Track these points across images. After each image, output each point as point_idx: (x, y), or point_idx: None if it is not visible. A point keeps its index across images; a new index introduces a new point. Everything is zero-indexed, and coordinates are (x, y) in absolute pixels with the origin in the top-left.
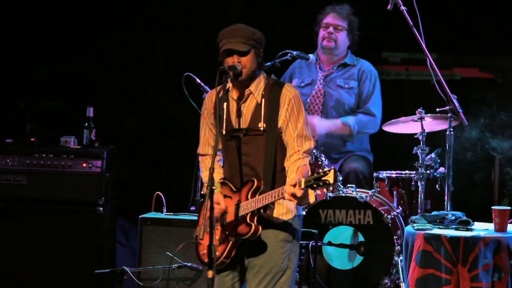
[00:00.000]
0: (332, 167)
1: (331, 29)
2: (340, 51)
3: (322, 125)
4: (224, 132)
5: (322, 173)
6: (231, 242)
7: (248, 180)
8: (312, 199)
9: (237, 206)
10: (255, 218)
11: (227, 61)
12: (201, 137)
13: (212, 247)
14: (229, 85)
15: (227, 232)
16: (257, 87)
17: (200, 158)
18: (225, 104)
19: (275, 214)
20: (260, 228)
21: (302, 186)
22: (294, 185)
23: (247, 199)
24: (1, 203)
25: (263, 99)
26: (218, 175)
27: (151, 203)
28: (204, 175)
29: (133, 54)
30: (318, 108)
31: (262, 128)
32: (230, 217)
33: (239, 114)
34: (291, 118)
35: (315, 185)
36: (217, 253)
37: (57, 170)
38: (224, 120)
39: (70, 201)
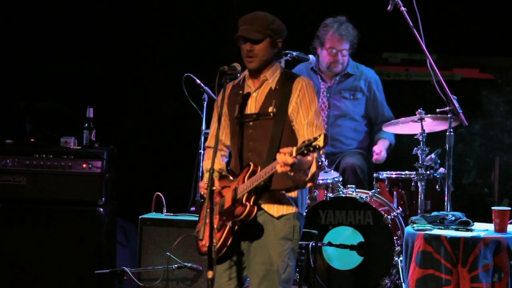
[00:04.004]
0: (323, 132)
1: (339, 56)
2: (343, 69)
3: (384, 150)
4: (235, 117)
5: (312, 139)
6: (228, 227)
7: (245, 165)
8: (313, 170)
9: (234, 191)
10: (252, 199)
11: (242, 48)
12: (211, 129)
13: (212, 247)
14: (246, 73)
15: (224, 218)
16: (273, 74)
17: (206, 149)
18: (240, 91)
19: (277, 212)
20: (256, 208)
21: (294, 154)
22: (285, 154)
23: (243, 182)
24: (1, 203)
25: (277, 86)
26: (218, 164)
27: (151, 204)
28: (205, 163)
29: (133, 54)
30: (323, 120)
31: (272, 113)
32: (227, 203)
33: (252, 100)
34: (302, 105)
35: (305, 151)
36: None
37: (57, 170)
38: (238, 106)
39: (70, 202)
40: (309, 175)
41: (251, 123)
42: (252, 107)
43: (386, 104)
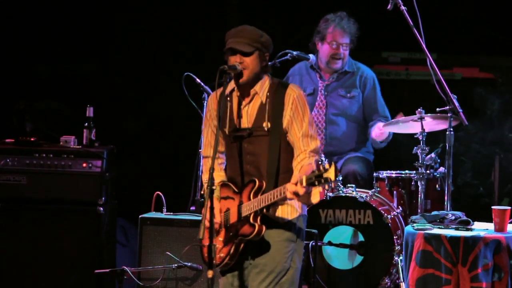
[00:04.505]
0: (332, 163)
1: (341, 49)
2: (343, 66)
3: (385, 133)
4: (227, 132)
5: (323, 170)
6: (235, 244)
7: (249, 180)
8: (316, 199)
9: (240, 207)
10: (258, 218)
11: (231, 60)
12: (204, 138)
13: (212, 247)
14: (233, 85)
15: (231, 234)
16: (262, 87)
17: (203, 160)
18: (229, 104)
19: (279, 214)
20: (264, 228)
21: (304, 184)
22: (296, 183)
23: (249, 199)
24: (1, 203)
25: (268, 99)
26: (219, 177)
27: (151, 203)
28: (205, 177)
29: (133, 54)
30: (322, 119)
31: (266, 128)
32: (233, 218)
33: (243, 114)
34: (296, 117)
35: (316, 182)
36: (222, 255)
37: (57, 170)
38: (228, 120)
39: (70, 201)
40: (313, 200)
41: (245, 137)
42: (244, 122)
43: (383, 102)
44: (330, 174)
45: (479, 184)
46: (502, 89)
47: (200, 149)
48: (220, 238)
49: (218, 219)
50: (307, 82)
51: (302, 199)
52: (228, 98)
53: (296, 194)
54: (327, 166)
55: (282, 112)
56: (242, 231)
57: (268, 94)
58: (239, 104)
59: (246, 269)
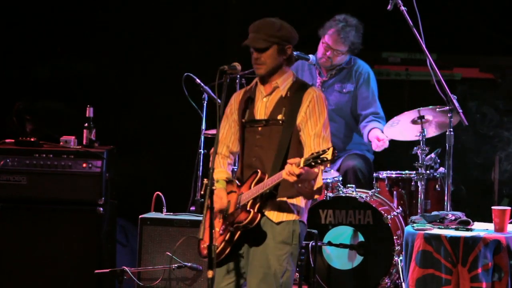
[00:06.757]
0: (331, 146)
1: (329, 53)
2: (336, 65)
3: (385, 143)
4: (244, 122)
5: (321, 152)
6: (230, 231)
7: (252, 172)
8: (319, 184)
9: (239, 197)
10: (256, 206)
11: (252, 55)
12: (220, 134)
13: (212, 247)
14: (257, 79)
15: (227, 222)
16: (284, 82)
17: (215, 156)
18: (250, 96)
19: (276, 216)
20: (259, 215)
21: (301, 165)
22: (293, 164)
23: (249, 189)
24: (1, 203)
25: (288, 94)
26: (225, 174)
27: (151, 203)
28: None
29: (133, 54)
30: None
31: (281, 120)
32: (232, 208)
33: (262, 105)
34: (311, 116)
35: (313, 163)
36: (216, 243)
37: (57, 170)
38: (247, 111)
39: (70, 201)
40: (315, 187)
41: (259, 128)
42: (261, 113)
43: (376, 99)
44: (327, 154)
45: (480, 184)
46: (503, 89)
47: (200, 149)
48: (217, 228)
49: (224, 204)
50: (306, 79)
51: (302, 186)
52: (252, 91)
53: (291, 174)
54: (325, 148)
55: (298, 108)
56: (237, 218)
57: (289, 90)
58: (261, 97)
59: (241, 269)
